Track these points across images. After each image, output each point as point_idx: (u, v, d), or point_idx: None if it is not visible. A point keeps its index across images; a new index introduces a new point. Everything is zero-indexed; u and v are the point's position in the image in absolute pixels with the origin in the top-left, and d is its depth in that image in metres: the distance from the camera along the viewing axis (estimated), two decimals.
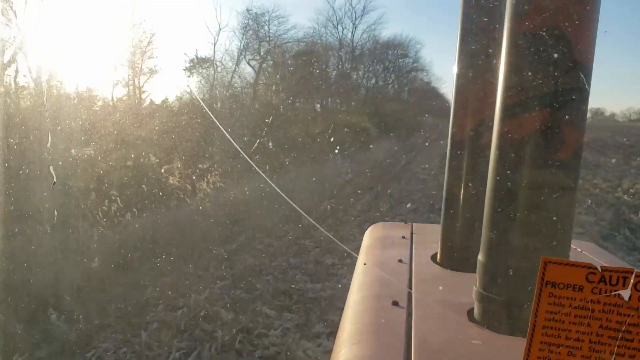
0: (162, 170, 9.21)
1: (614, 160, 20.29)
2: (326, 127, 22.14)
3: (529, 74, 1.00)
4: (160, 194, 8.70)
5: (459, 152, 1.54)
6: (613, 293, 0.66)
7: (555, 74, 0.98)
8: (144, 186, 8.07)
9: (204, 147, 11.18)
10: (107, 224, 7.04)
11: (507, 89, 1.05)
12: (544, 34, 0.98)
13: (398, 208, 11.10)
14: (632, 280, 0.66)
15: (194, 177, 9.73)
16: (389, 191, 12.82)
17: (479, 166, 1.45)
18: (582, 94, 1.01)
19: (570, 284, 0.68)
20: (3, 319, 4.81)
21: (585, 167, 17.92)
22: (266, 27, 21.90)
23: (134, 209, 7.57)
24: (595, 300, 0.67)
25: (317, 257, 7.46)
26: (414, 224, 2.16)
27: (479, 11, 1.45)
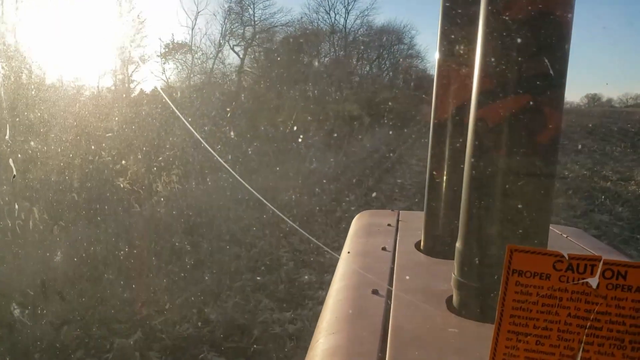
0: (113, 169, 8.02)
1: (619, 149, 19.01)
2: (316, 116, 20.82)
3: (504, 59, 1.00)
4: (106, 198, 7.41)
5: (440, 138, 1.54)
6: (581, 281, 0.66)
7: (530, 59, 0.98)
8: (74, 194, 6.65)
9: (165, 141, 9.75)
10: (27, 241, 5.69)
11: (482, 74, 1.05)
12: (519, 19, 0.98)
13: (390, 207, 9.80)
14: (599, 268, 0.65)
15: (149, 178, 8.48)
16: (381, 186, 11.53)
17: (461, 153, 1.34)
18: (558, 79, 1.00)
19: (537, 272, 0.67)
20: None
21: (591, 157, 16.63)
22: (250, 11, 20.42)
23: (61, 222, 6.20)
24: (563, 288, 0.67)
25: (291, 274, 6.17)
26: (400, 211, 2.16)
27: None
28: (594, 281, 0.66)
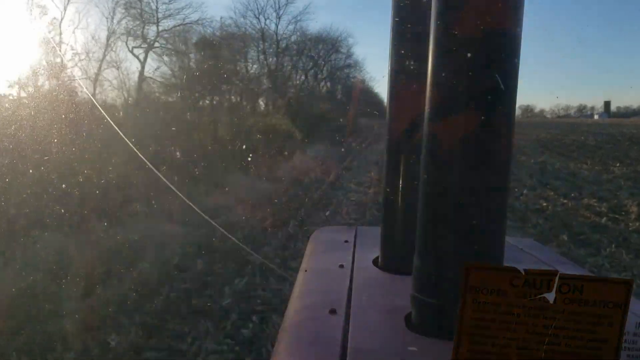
0: None
1: (586, 167, 16.48)
2: (236, 133, 17.29)
3: (454, 75, 1.01)
4: None
5: (395, 152, 1.53)
6: (538, 297, 0.66)
7: (480, 74, 0.98)
8: None
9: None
10: None
11: (434, 90, 1.06)
12: (467, 34, 0.99)
13: None
14: (556, 283, 0.65)
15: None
16: (303, 232, 8.13)
17: (416, 166, 1.31)
18: (509, 94, 1.01)
19: (495, 288, 0.67)
20: None
21: (563, 180, 13.92)
22: (153, 5, 16.65)
23: None
24: (520, 304, 0.67)
25: None
26: (358, 227, 2.15)
27: (410, 9, 1.45)
28: (550, 296, 0.66)
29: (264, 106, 25.78)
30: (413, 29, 1.43)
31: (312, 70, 39.54)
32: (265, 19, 34.00)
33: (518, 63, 1.01)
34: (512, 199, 10.97)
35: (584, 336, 0.67)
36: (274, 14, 34.34)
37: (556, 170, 15.77)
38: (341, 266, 1.57)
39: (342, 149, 23.00)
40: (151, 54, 18.47)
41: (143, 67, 15.75)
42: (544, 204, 10.48)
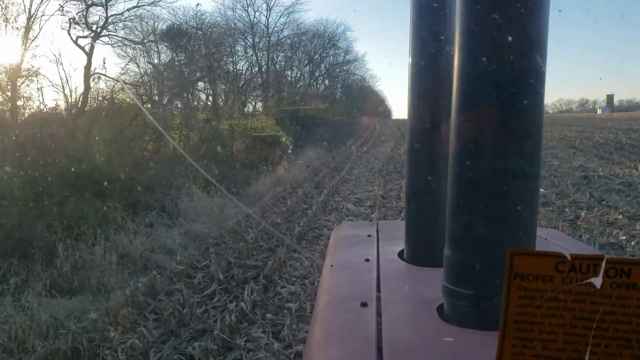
0: None
1: (637, 173, 13.43)
2: (212, 138, 14.31)
3: (483, 59, 1.00)
4: None
5: (417, 144, 1.52)
6: (584, 282, 0.64)
7: (511, 57, 0.98)
8: None
9: None
10: None
11: (462, 77, 1.05)
12: (496, 16, 0.98)
13: None
14: (603, 267, 0.64)
15: None
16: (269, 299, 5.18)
17: (440, 158, 1.39)
18: (539, 78, 1.01)
19: (540, 274, 0.66)
20: None
21: (621, 194, 10.93)
22: None
23: None
24: (567, 290, 0.65)
25: None
26: (379, 221, 2.12)
27: (431, 4, 1.45)
28: (597, 281, 0.64)
29: (252, 107, 22.81)
30: (435, 21, 1.44)
31: (308, 67, 36.59)
32: (255, 12, 31.05)
33: (546, 46, 1.01)
34: (571, 228, 7.94)
35: (632, 320, 0.65)
36: (264, 6, 31.37)
37: (604, 179, 12.71)
38: (367, 260, 1.56)
39: (340, 154, 19.93)
40: (114, 49, 15.49)
41: (89, 62, 12.70)
42: (621, 236, 7.43)
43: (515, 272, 0.66)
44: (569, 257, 0.64)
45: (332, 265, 1.58)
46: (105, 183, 8.61)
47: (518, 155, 1.01)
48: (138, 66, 16.50)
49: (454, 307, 1.10)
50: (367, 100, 47.32)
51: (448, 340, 1.01)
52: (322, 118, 23.87)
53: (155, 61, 16.70)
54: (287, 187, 12.47)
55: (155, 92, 16.81)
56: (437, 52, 1.43)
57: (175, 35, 16.09)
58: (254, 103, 26.11)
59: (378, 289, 1.30)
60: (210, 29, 20.33)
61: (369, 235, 1.87)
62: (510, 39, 0.97)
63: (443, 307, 1.14)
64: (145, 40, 15.43)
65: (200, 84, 19.30)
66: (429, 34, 1.45)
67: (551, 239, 1.75)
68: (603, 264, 0.64)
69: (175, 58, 16.82)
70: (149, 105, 15.35)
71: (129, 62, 16.23)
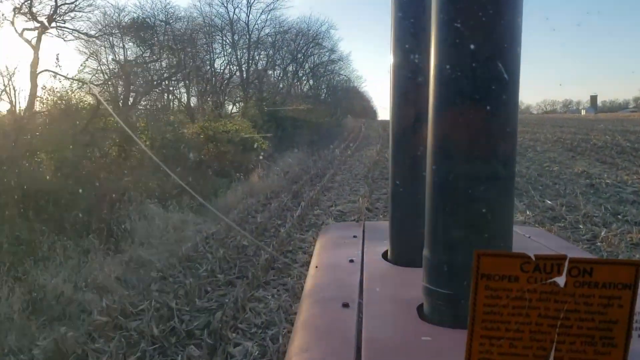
0: None
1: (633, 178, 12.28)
2: (182, 141, 12.87)
3: (458, 66, 1.02)
4: None
5: (400, 147, 1.54)
6: (548, 281, 0.67)
7: (484, 64, 1.00)
8: None
9: None
10: None
11: (438, 82, 1.07)
12: (470, 25, 1.00)
13: None
14: (566, 267, 0.66)
15: None
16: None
17: (421, 159, 1.37)
18: (512, 83, 1.02)
19: (506, 274, 0.68)
20: None
21: (638, 205, 9.69)
22: None
23: None
24: (532, 289, 0.68)
25: None
26: (366, 222, 2.14)
27: (412, 3, 1.47)
28: (561, 280, 0.66)
29: (231, 108, 21.34)
30: (415, 23, 1.45)
31: (291, 66, 35.16)
32: (235, 8, 29.62)
33: (520, 52, 1.04)
34: (590, 249, 6.64)
35: (595, 318, 0.68)
36: (244, 2, 29.96)
37: (612, 187, 11.48)
38: (351, 261, 1.59)
39: (322, 158, 18.56)
40: (66, 43, 13.95)
41: (36, 56, 11.20)
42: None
43: (482, 272, 0.68)
44: (533, 258, 0.66)
45: (316, 267, 1.59)
46: (48, 202, 7.19)
47: (493, 158, 1.03)
48: (99, 63, 15.01)
49: (433, 307, 1.11)
50: (353, 101, 46.07)
51: (426, 339, 1.03)
52: (305, 120, 22.50)
53: (121, 57, 15.23)
54: (260, 198, 11.07)
55: (120, 92, 15.32)
56: (419, 56, 1.43)
57: (139, 29, 14.61)
58: (232, 104, 24.66)
59: (361, 290, 1.32)
60: (182, 24, 18.87)
61: (355, 236, 1.89)
62: (476, 46, 0.99)
63: (423, 307, 1.16)
64: (101, 34, 13.94)
65: (173, 83, 17.81)
66: (408, 36, 1.47)
67: (534, 237, 1.75)
68: (566, 264, 0.66)
69: (142, 54, 15.36)
70: (111, 106, 13.84)
71: (87, 58, 14.73)
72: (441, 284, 1.09)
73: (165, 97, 16.16)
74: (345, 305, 1.21)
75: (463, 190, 1.04)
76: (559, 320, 0.68)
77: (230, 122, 15.25)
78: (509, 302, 0.68)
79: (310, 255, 6.96)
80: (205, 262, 6.53)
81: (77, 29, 13.18)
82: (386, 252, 1.62)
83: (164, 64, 16.53)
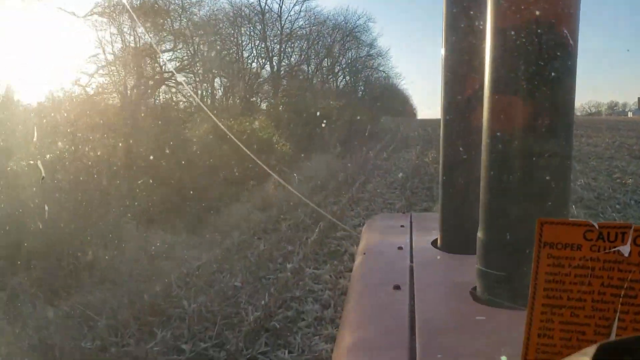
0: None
1: None
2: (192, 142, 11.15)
3: (520, 31, 1.01)
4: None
5: (451, 135, 1.53)
6: (612, 250, 0.66)
7: (538, 31, 0.99)
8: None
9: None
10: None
11: (493, 57, 1.07)
12: (525, 21, 1.00)
13: None
14: (630, 235, 0.65)
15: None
16: None
17: (472, 148, 1.40)
18: (568, 57, 1.01)
19: (569, 243, 0.67)
20: None
21: None
22: None
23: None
24: (595, 257, 0.66)
25: None
26: (412, 213, 2.12)
27: None
28: (625, 249, 0.65)
29: (247, 104, 19.57)
30: (468, 19, 1.44)
31: (325, 61, 33.24)
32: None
33: (576, 25, 1.02)
34: None
35: None
36: None
37: None
38: (400, 248, 1.57)
39: (354, 162, 16.55)
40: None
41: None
42: None
43: (545, 241, 0.68)
44: (597, 226, 0.65)
45: (364, 253, 1.59)
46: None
47: (548, 132, 1.02)
48: (103, 51, 13.43)
49: (487, 289, 1.11)
50: (391, 99, 43.91)
51: (480, 319, 1.03)
52: (337, 118, 20.56)
53: (132, 44, 13.62)
54: (273, 212, 9.22)
55: (132, 84, 13.72)
56: (472, 44, 1.42)
57: (150, 12, 12.98)
58: (259, 101, 22.92)
59: (411, 274, 1.31)
60: (205, 10, 17.20)
61: (402, 226, 1.88)
62: (537, 12, 0.98)
63: (476, 290, 1.15)
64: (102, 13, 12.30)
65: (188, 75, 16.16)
66: (460, 9, 1.46)
67: None
68: (631, 232, 0.64)
69: (152, 41, 13.77)
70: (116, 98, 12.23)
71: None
72: (496, 265, 1.08)
73: (173, 91, 14.58)
74: (397, 287, 1.20)
75: (519, 168, 1.04)
76: (623, 289, 0.66)
77: (246, 120, 13.45)
78: (572, 270, 0.67)
79: (325, 307, 4.80)
80: (173, 319, 4.69)
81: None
82: (435, 240, 1.62)
83: (178, 53, 14.94)
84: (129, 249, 6.33)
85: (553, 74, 0.99)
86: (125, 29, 13.27)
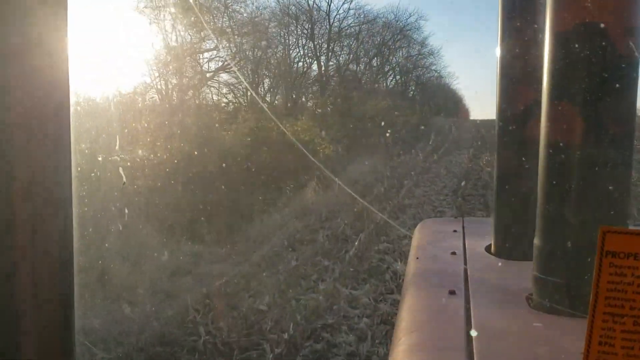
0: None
1: None
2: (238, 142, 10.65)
3: (576, 44, 1.02)
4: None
5: (507, 141, 1.54)
6: None
7: (602, 43, 1.00)
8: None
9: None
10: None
11: (552, 63, 1.07)
12: (581, 27, 1.00)
13: None
14: None
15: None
16: None
17: (528, 156, 1.40)
18: (632, 68, 1.02)
19: (632, 252, 0.67)
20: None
21: None
22: None
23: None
24: None
25: None
26: (465, 217, 2.11)
27: (520, 3, 1.47)
28: None
29: (294, 104, 18.99)
30: (524, 23, 1.42)
31: (375, 60, 32.37)
32: None
33: (639, 56, 1.01)
34: None
35: None
36: None
37: None
38: (453, 253, 1.56)
39: (402, 164, 15.66)
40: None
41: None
42: None
43: (607, 250, 0.67)
44: None
45: (417, 258, 1.59)
46: None
47: (609, 142, 1.02)
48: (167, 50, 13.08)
49: (544, 296, 1.10)
50: (443, 98, 42.55)
51: (537, 325, 1.02)
52: (386, 119, 19.73)
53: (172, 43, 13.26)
54: (311, 220, 8.54)
55: (172, 85, 13.41)
56: (530, 40, 1.41)
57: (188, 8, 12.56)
58: (306, 101, 22.33)
59: (466, 280, 1.31)
60: (250, 8, 16.75)
61: (455, 231, 1.86)
62: (602, 25, 0.97)
63: (532, 297, 1.15)
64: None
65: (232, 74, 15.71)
66: (516, 13, 1.46)
67: None
68: None
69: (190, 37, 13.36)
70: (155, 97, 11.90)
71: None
72: (553, 272, 1.08)
73: (209, 91, 14.13)
74: (452, 292, 1.19)
75: (579, 175, 1.04)
76: None
77: (288, 121, 12.85)
78: (634, 280, 0.66)
79: (360, 339, 3.98)
80: (185, 350, 4.08)
81: None
82: (489, 245, 1.61)
83: (221, 53, 14.52)
84: (149, 262, 5.80)
85: (617, 85, 1.00)
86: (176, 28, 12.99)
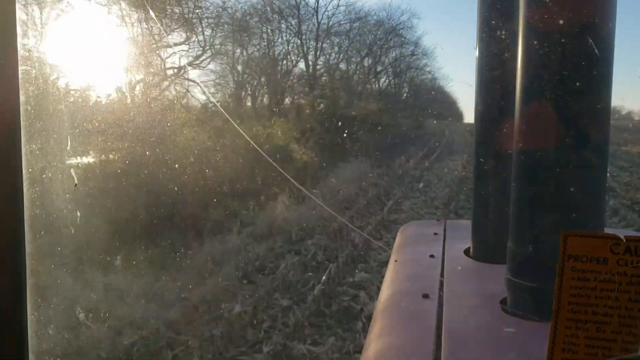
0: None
1: None
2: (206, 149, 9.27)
3: (543, 42, 1.01)
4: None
5: (484, 144, 1.53)
6: None
7: (575, 44, 0.98)
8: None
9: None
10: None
11: (523, 66, 1.07)
12: (556, 28, 0.99)
13: None
14: None
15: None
16: None
17: (504, 160, 1.37)
18: (602, 60, 1.00)
19: (594, 256, 0.66)
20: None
21: None
22: None
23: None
24: (622, 272, 0.64)
25: None
26: (447, 220, 2.10)
27: (498, 5, 1.47)
28: None
29: (271, 107, 17.65)
30: (501, 8, 1.43)
31: (366, 60, 31.09)
32: None
33: (614, 28, 1.00)
34: None
35: None
36: None
37: None
38: (432, 256, 1.57)
39: (390, 172, 14.33)
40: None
41: None
42: None
43: (569, 254, 0.66)
44: (624, 239, 0.63)
45: (396, 261, 1.59)
46: None
47: (584, 144, 1.01)
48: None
49: (517, 300, 1.09)
50: (437, 101, 41.39)
51: (509, 330, 1.01)
52: (375, 122, 18.46)
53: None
54: (277, 242, 7.20)
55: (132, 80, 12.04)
56: (505, 44, 1.41)
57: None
58: (290, 101, 20.99)
59: (441, 283, 1.30)
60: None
61: (436, 234, 1.86)
62: (575, 25, 0.97)
63: (506, 301, 1.14)
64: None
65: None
66: (495, 31, 1.45)
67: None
68: None
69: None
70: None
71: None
72: (526, 276, 1.07)
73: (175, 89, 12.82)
74: (425, 296, 1.20)
75: (550, 179, 1.03)
76: None
77: (259, 123, 11.54)
78: (597, 284, 0.65)
79: None
80: None
81: None
82: (468, 249, 1.59)
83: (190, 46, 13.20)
84: (59, 300, 4.47)
85: (590, 85, 0.99)
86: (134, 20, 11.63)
